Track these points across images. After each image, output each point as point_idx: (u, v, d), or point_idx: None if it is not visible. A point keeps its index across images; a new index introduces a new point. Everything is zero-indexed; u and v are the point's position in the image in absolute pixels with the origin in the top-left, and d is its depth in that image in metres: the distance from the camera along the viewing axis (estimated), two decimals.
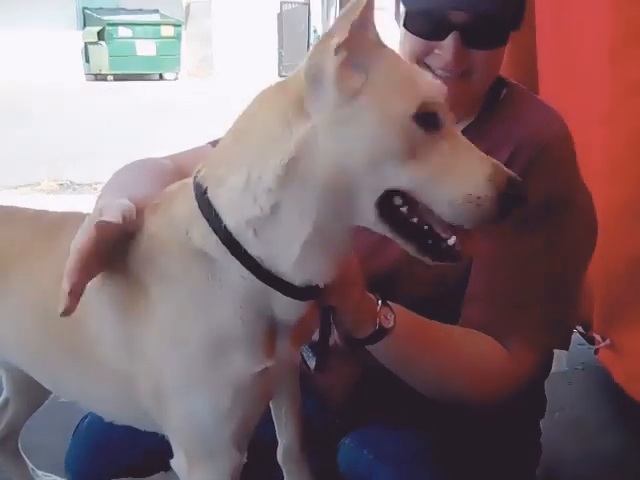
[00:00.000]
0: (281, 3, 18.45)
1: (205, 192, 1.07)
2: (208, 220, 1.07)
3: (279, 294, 1.08)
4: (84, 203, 1.29)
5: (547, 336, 1.35)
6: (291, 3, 19.73)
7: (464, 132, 1.34)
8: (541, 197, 1.30)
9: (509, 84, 1.47)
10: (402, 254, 1.13)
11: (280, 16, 20.17)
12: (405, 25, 1.39)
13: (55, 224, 1.38)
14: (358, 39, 0.96)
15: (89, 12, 19.48)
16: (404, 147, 0.94)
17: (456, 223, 0.96)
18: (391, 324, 1.22)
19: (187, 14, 21.33)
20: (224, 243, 1.06)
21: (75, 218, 1.28)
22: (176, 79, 19.57)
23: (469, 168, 0.95)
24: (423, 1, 1.36)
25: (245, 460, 1.19)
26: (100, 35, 18.78)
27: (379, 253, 1.35)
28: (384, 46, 1.01)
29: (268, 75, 14.39)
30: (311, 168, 0.97)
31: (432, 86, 1.00)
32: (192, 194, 1.09)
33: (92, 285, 1.11)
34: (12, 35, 17.66)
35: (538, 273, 1.32)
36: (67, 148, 8.07)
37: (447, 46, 1.33)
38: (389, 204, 0.98)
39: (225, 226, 1.05)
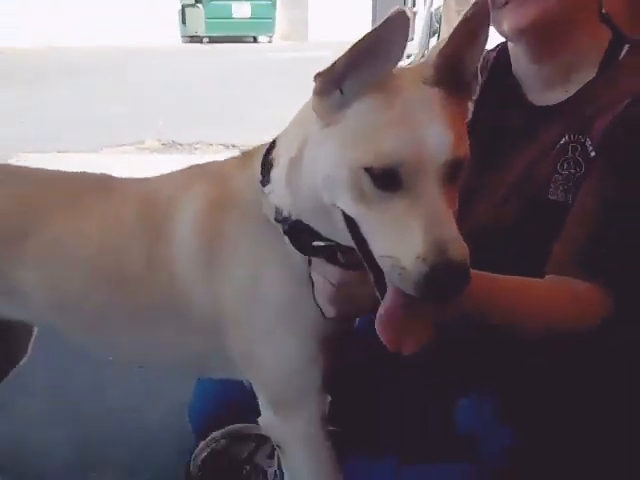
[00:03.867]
0: None
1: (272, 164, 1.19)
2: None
3: None
4: (187, 162, 1.40)
5: (621, 280, 1.26)
6: None
7: (584, 89, 1.35)
8: None
9: (633, 40, 1.38)
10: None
11: None
12: None
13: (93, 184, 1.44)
14: (346, 74, 0.99)
15: None
16: (352, 190, 0.98)
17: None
18: None
19: None
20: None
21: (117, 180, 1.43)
22: (270, 42, 19.69)
23: (406, 238, 0.94)
24: None
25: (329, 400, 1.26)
26: None
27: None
28: (379, 90, 0.99)
29: None
30: (302, 166, 1.09)
31: (403, 148, 0.96)
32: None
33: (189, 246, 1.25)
34: None
35: (621, 219, 1.26)
36: (167, 108, 8.23)
37: None
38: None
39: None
